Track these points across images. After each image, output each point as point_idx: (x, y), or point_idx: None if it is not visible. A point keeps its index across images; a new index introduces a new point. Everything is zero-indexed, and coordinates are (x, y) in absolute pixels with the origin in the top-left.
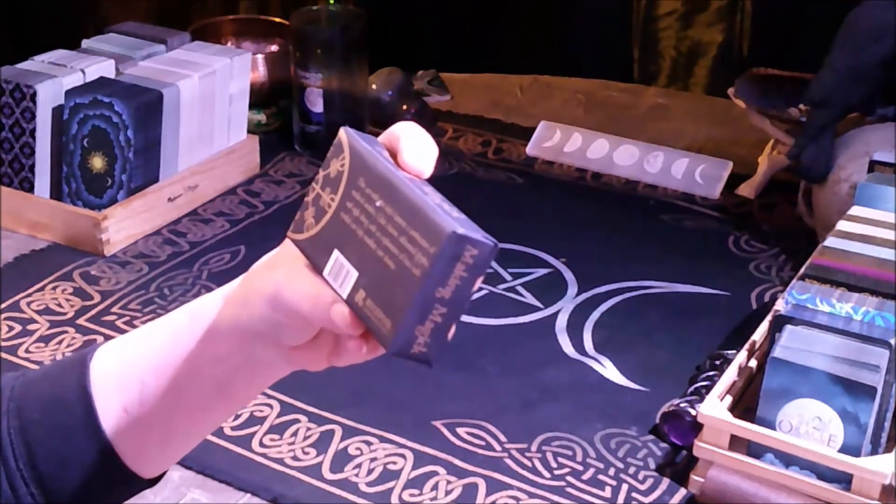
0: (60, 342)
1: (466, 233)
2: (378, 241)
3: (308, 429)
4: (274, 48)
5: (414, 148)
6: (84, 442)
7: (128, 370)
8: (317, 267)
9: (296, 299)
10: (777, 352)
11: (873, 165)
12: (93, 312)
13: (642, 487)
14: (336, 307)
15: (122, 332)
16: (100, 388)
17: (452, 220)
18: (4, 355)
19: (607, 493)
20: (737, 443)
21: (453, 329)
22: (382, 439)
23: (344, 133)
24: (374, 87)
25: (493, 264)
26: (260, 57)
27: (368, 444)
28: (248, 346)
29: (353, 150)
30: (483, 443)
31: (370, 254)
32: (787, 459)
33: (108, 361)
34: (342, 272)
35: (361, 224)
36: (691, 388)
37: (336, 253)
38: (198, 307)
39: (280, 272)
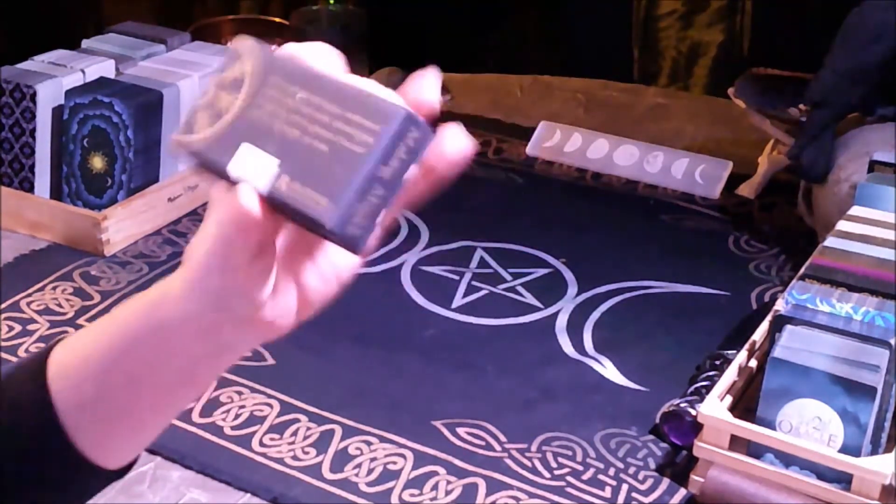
0: None
1: (415, 114)
2: (304, 128)
3: (308, 429)
4: (274, 48)
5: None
6: (43, 441)
7: (85, 368)
8: (215, 167)
9: (207, 239)
10: (777, 352)
11: (873, 165)
12: (93, 312)
13: (642, 487)
14: (239, 192)
15: None
16: (57, 386)
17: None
18: (4, 355)
19: (607, 493)
20: (737, 443)
21: (383, 215)
22: (382, 439)
23: (244, 40)
24: None
25: (493, 264)
26: None
27: (368, 444)
28: (207, 333)
29: (258, 53)
30: (483, 443)
31: (293, 142)
32: (787, 459)
33: (65, 359)
34: (256, 163)
35: (279, 116)
36: (691, 388)
37: (245, 146)
38: (152, 301)
39: (192, 245)
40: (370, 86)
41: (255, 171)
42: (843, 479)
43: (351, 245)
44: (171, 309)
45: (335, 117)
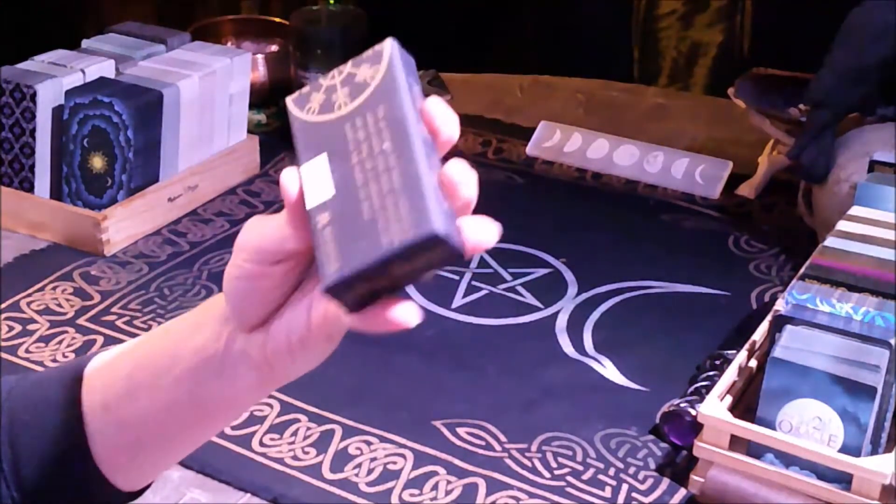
0: (60, 342)
1: (446, 236)
2: (367, 181)
3: (308, 428)
4: (274, 48)
5: (442, 109)
6: (65, 447)
7: (116, 366)
8: (297, 153)
9: (250, 224)
10: (777, 352)
11: (873, 165)
12: (93, 312)
13: (642, 487)
14: (287, 174)
15: (122, 332)
16: (87, 388)
17: (441, 213)
18: (4, 355)
19: (607, 493)
20: (737, 443)
21: (374, 304)
22: (382, 439)
23: (390, 46)
24: None
25: (493, 264)
26: (260, 57)
27: (368, 443)
28: (223, 331)
29: (390, 72)
30: (483, 443)
31: (354, 187)
32: (787, 459)
33: (100, 360)
34: (320, 180)
35: (360, 151)
36: (691, 388)
37: (325, 157)
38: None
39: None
40: (435, 172)
41: (315, 187)
42: (843, 479)
43: (335, 303)
44: (216, 300)
45: (392, 192)
